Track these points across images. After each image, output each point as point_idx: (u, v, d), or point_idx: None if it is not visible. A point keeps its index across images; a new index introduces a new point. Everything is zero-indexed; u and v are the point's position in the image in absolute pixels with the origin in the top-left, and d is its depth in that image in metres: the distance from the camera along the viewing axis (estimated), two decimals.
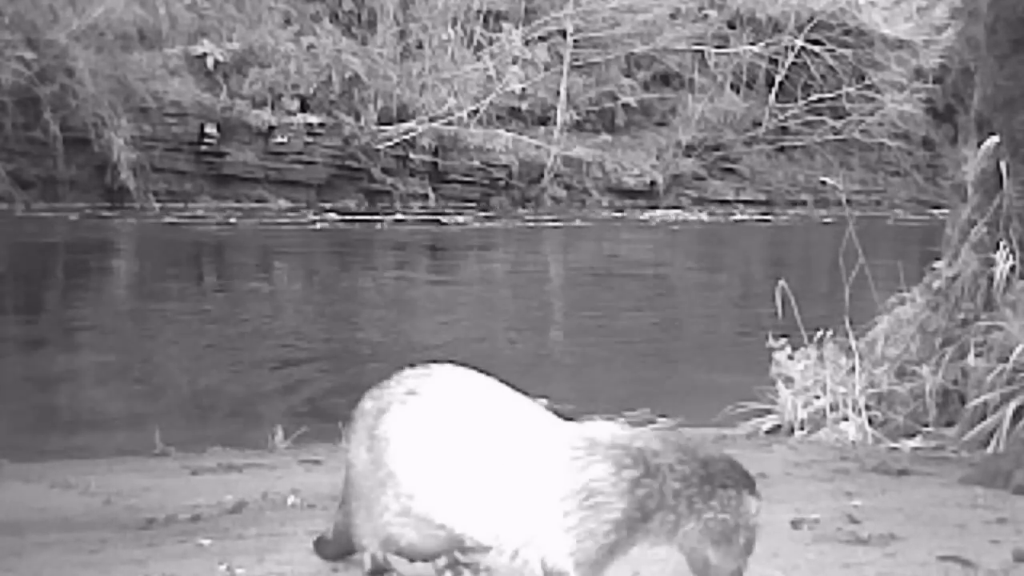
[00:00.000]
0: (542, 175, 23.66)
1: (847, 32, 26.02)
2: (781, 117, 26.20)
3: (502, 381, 2.97)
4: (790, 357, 6.53)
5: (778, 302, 6.58)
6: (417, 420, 2.89)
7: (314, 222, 19.96)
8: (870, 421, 6.05)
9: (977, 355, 5.81)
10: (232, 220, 19.48)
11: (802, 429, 6.22)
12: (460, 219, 21.41)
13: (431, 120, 22.41)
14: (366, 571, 3.03)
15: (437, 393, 2.92)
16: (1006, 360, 5.64)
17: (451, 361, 3.05)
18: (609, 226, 21.96)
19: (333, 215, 20.76)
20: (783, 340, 6.56)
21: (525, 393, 2.96)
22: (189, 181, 20.92)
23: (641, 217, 23.14)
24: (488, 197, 23.07)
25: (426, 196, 22.57)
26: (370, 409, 2.99)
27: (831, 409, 6.17)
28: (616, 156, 24.67)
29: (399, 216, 21.11)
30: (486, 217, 21.84)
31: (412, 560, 3.02)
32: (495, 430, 2.83)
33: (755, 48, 25.68)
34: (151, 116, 20.28)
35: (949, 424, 5.87)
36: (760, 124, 26.05)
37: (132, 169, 19.60)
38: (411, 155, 22.46)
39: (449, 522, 2.85)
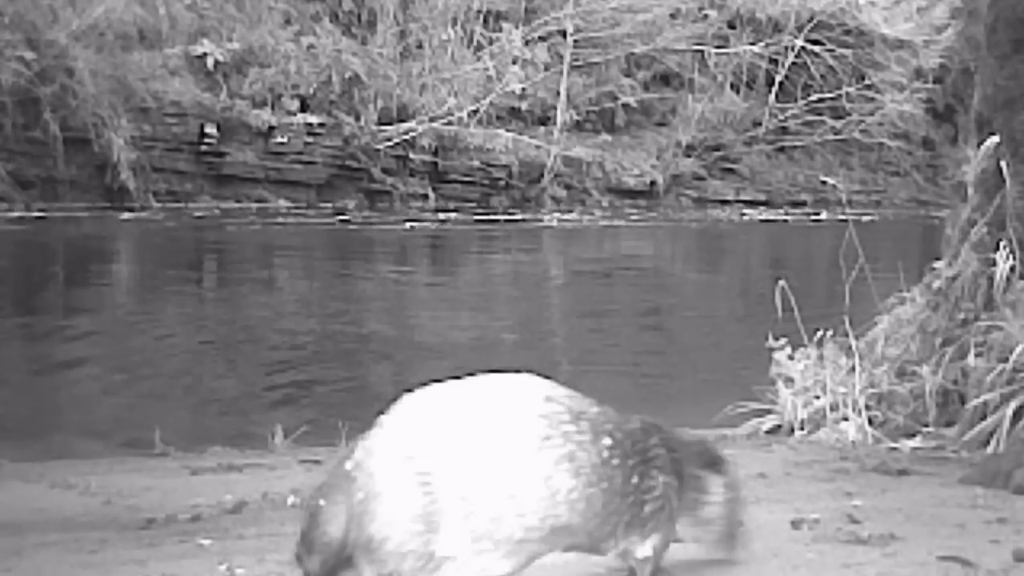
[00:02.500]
0: (542, 175, 23.65)
1: (847, 32, 26.01)
2: (781, 117, 26.18)
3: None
4: (790, 357, 6.52)
5: (778, 302, 6.58)
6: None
7: (314, 222, 19.96)
8: (870, 421, 6.04)
9: (977, 355, 5.80)
10: (232, 220, 19.46)
11: (802, 429, 6.21)
12: (460, 219, 21.40)
13: (431, 120, 22.40)
14: None
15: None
16: (1006, 360, 5.63)
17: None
18: (609, 226, 21.95)
19: (333, 215, 20.76)
20: (783, 340, 6.55)
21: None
22: (189, 181, 20.91)
23: (640, 217, 23.12)
24: (488, 197, 23.05)
25: (426, 196, 22.55)
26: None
27: (831, 409, 6.16)
28: (616, 156, 24.65)
29: (399, 216, 21.10)
30: (486, 217, 21.82)
31: None
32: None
33: (755, 48, 25.67)
34: (151, 116, 20.26)
35: (949, 424, 5.86)
36: (760, 124, 26.03)
37: (132, 169, 19.58)
38: (411, 155, 22.45)
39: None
